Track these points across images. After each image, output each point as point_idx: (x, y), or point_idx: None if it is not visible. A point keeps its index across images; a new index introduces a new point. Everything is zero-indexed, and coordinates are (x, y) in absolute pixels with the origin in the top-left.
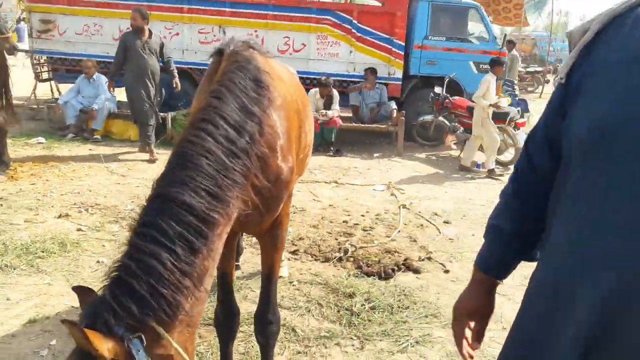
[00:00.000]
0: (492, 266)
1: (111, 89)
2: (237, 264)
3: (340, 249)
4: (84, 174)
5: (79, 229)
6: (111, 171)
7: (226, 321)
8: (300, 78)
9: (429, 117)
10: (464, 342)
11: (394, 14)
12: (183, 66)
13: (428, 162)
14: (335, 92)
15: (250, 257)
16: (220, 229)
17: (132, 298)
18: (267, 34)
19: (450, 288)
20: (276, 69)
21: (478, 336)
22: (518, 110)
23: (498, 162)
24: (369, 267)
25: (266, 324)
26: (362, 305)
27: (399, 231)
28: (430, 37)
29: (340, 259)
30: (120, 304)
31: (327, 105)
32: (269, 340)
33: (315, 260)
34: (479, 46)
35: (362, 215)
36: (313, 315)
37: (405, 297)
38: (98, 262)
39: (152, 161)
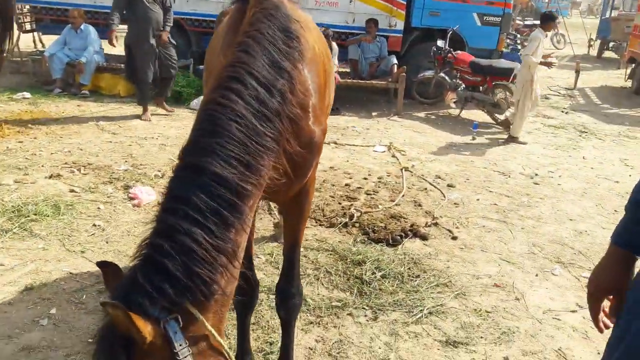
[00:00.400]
0: (632, 241)
1: (115, 40)
2: None
3: (345, 213)
4: (74, 131)
5: (72, 190)
6: (102, 129)
7: (245, 293)
8: None
9: (429, 73)
10: (599, 316)
11: None
12: (174, 16)
13: (428, 121)
14: (334, 45)
15: (263, 222)
16: (252, 201)
17: (166, 279)
18: None
19: (459, 256)
20: (304, 17)
21: (616, 311)
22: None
23: (497, 122)
24: (375, 233)
25: (289, 298)
26: (372, 274)
27: (403, 195)
28: None
29: (345, 225)
30: (154, 285)
31: None
32: (292, 315)
33: (320, 225)
34: None
35: (365, 178)
36: (322, 284)
37: (414, 265)
38: (94, 225)
39: (145, 120)
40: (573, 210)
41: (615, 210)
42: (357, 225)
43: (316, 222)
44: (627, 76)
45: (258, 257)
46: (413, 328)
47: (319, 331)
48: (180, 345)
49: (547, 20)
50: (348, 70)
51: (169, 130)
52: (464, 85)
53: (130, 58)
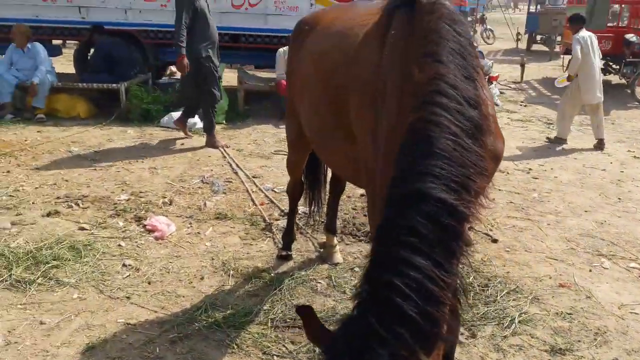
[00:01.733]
0: None
1: (186, 68)
2: (289, 252)
3: None
4: (49, 161)
5: (81, 228)
6: (79, 156)
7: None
8: (259, 36)
9: None
10: None
11: None
12: (127, 28)
13: None
14: None
15: (304, 244)
16: (467, 226)
17: (403, 323)
18: None
19: (510, 259)
20: None
21: None
22: (491, 64)
23: None
24: None
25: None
26: None
27: None
28: None
29: None
30: (393, 331)
31: None
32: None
33: (359, 240)
34: None
35: None
36: None
37: (477, 274)
38: (125, 265)
39: (223, 147)
40: (582, 201)
41: (619, 199)
42: None
43: (354, 238)
44: (565, 67)
45: (319, 283)
46: (513, 340)
47: None
48: None
49: (578, 22)
50: None
51: (151, 151)
52: None
53: (190, 78)
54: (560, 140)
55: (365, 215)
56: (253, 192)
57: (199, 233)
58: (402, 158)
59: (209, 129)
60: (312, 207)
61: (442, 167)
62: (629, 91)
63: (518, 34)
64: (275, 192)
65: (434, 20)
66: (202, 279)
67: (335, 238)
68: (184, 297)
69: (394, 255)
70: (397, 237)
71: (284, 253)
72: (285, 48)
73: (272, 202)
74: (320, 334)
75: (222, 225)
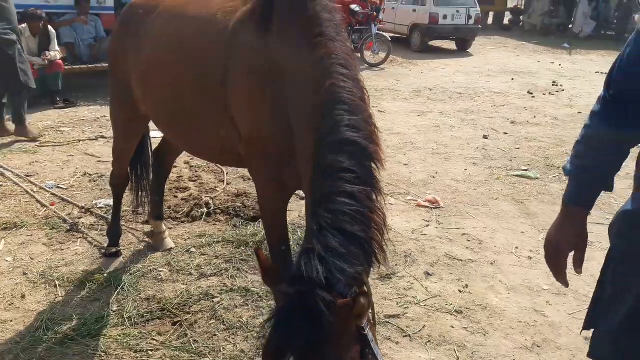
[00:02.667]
0: (584, 199)
1: None
2: (118, 249)
3: (197, 204)
4: None
5: None
6: None
7: None
8: None
9: None
10: (565, 271)
11: None
12: None
13: None
14: (51, 28)
15: (123, 238)
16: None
17: (358, 246)
18: None
19: None
20: None
21: (580, 263)
22: None
23: None
24: (241, 213)
25: None
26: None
27: (228, 173)
28: None
29: (209, 214)
30: (352, 252)
31: (45, 46)
32: None
33: (182, 222)
34: None
35: (174, 166)
36: (248, 272)
37: (300, 230)
38: None
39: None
40: None
41: None
42: (218, 212)
43: (176, 221)
44: None
45: (160, 271)
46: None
47: None
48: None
49: None
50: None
51: None
52: None
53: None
54: None
55: (175, 197)
56: (35, 192)
57: None
58: (327, 116)
59: (20, 119)
60: (140, 195)
61: (357, 122)
62: (359, 55)
63: None
64: (61, 188)
65: (313, 6)
66: (23, 297)
67: (163, 224)
68: (11, 321)
69: (337, 189)
70: (338, 175)
71: (113, 250)
72: (24, 25)
73: (64, 200)
74: (275, 274)
75: (15, 235)
